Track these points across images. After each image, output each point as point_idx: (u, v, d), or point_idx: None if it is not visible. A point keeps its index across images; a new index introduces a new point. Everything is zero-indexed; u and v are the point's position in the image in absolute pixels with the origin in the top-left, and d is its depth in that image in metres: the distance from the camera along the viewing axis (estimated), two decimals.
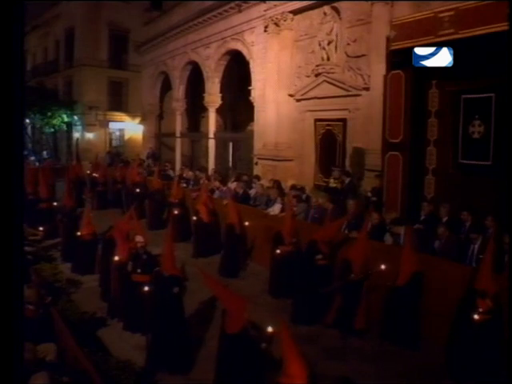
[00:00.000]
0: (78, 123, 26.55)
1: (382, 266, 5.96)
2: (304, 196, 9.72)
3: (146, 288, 5.62)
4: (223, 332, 4.63)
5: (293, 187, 10.46)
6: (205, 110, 19.28)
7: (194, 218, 10.11)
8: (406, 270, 5.87)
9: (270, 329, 4.36)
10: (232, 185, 11.61)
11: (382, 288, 6.09)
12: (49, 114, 25.43)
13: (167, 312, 5.43)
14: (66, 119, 26.02)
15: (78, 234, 8.59)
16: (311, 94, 12.65)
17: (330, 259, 6.80)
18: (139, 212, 10.76)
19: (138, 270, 6.20)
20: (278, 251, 7.55)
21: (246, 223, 8.95)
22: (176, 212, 10.82)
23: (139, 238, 6.43)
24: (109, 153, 22.55)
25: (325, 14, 12.14)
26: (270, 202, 9.62)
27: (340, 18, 11.71)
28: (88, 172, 15.98)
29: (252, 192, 10.77)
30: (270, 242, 7.96)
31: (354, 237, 7.26)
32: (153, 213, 12.26)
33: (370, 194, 9.40)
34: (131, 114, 26.80)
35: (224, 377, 4.62)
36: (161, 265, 5.82)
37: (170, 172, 15.77)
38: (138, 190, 12.96)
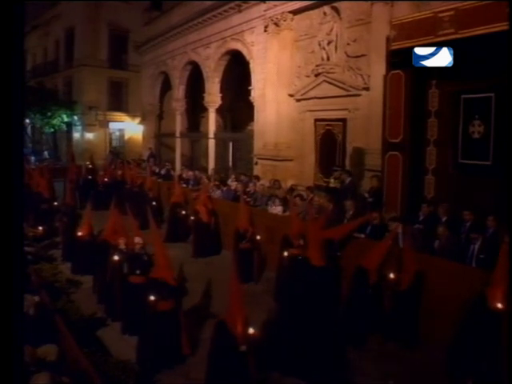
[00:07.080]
0: (77, 123, 26.54)
1: (392, 275, 5.95)
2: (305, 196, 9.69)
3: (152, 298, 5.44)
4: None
5: (291, 189, 10.44)
6: (205, 109, 19.27)
7: (193, 217, 10.10)
8: (409, 270, 5.87)
9: (251, 330, 4.34)
10: (231, 185, 11.61)
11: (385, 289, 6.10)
12: (49, 114, 25.41)
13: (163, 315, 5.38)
14: (65, 119, 26.01)
15: (79, 234, 8.57)
16: (311, 93, 12.65)
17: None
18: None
19: (137, 272, 6.15)
20: (286, 254, 7.05)
21: (258, 237, 8.33)
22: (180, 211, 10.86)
23: (138, 240, 6.38)
24: (111, 152, 22.56)
25: (325, 13, 12.14)
26: (270, 202, 9.61)
27: (340, 18, 11.71)
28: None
29: (250, 190, 10.73)
30: (272, 242, 7.86)
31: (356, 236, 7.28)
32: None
33: (366, 195, 9.36)
34: (131, 114, 26.78)
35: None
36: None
37: (170, 172, 15.77)
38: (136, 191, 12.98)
